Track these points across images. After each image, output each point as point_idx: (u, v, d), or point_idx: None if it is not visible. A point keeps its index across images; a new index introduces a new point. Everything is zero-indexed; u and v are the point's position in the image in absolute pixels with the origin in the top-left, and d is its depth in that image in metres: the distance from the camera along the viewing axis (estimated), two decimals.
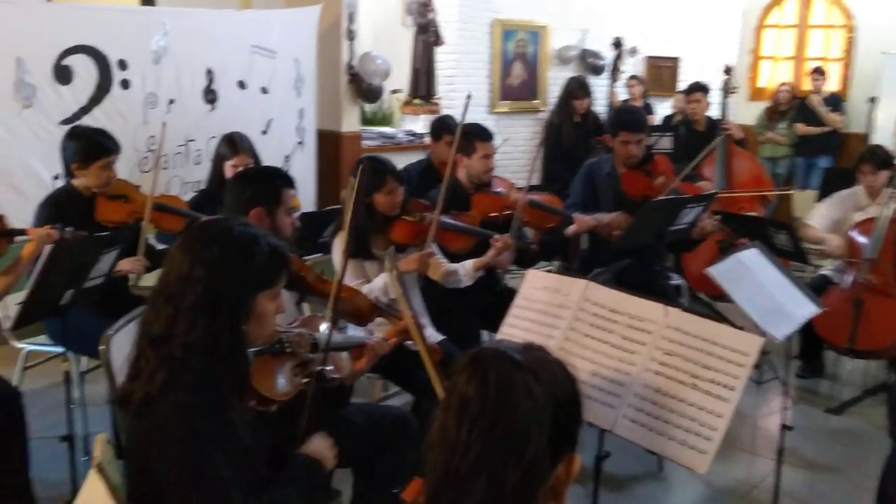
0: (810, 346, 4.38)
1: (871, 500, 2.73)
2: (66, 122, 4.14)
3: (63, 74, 4.18)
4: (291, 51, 5.38)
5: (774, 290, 3.01)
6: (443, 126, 4.66)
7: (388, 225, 3.24)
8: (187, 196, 4.17)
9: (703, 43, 8.15)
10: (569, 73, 7.20)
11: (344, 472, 2.51)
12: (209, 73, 4.89)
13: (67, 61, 4.19)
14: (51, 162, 3.89)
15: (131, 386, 1.70)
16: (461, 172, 3.73)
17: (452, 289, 3.41)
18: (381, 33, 6.39)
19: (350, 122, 5.96)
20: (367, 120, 6.39)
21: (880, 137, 7.06)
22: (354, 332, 2.72)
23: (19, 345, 3.48)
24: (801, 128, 7.64)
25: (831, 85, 8.14)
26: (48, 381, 3.72)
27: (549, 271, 2.97)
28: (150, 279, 3.27)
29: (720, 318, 2.64)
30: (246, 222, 1.91)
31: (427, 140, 5.16)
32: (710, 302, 4.97)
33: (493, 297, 3.57)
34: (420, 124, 6.43)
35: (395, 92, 6.59)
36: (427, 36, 6.38)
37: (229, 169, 3.76)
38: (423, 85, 6.44)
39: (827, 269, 4.54)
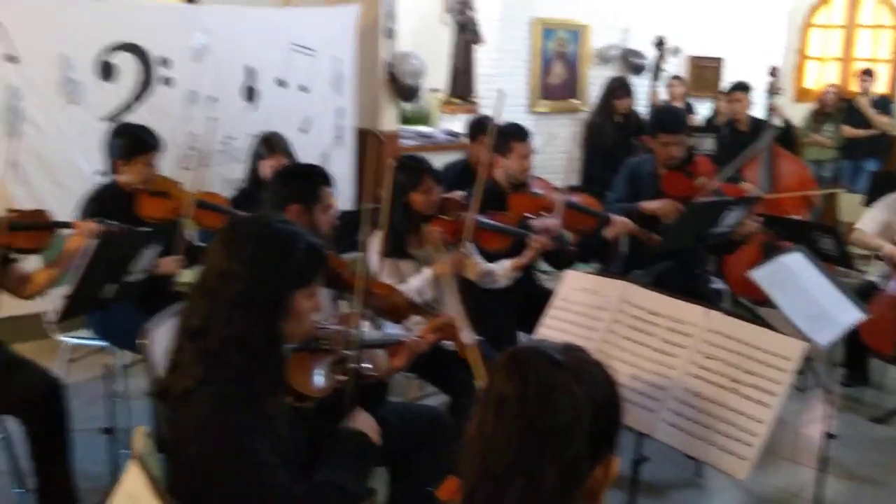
0: (855, 353, 4.27)
1: None
2: (108, 118, 4.22)
3: (106, 71, 4.26)
4: (331, 49, 5.40)
5: (818, 294, 2.95)
6: (480, 126, 4.63)
7: (425, 224, 3.23)
8: (227, 193, 4.22)
9: (748, 43, 8.02)
10: (610, 72, 7.14)
11: (379, 472, 2.50)
12: (249, 70, 4.94)
13: (110, 58, 4.27)
14: (93, 157, 3.96)
15: (170, 378, 1.73)
16: (498, 172, 3.70)
17: (488, 289, 3.40)
18: (421, 32, 6.40)
19: (388, 121, 5.98)
20: (405, 119, 6.40)
21: None
22: (392, 329, 2.71)
23: (63, 338, 3.54)
24: (848, 130, 7.47)
25: (880, 87, 7.96)
26: (91, 374, 3.77)
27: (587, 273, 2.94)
28: (189, 275, 3.30)
29: (762, 322, 2.59)
30: (285, 219, 1.92)
31: (465, 140, 5.15)
32: (752, 307, 4.88)
33: (529, 299, 3.54)
34: (458, 123, 6.42)
35: (433, 91, 6.60)
36: (466, 34, 6.38)
37: (266, 169, 3.79)
38: (461, 84, 6.44)
39: (873, 274, 4.43)
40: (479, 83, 6.52)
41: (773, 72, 6.03)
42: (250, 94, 4.97)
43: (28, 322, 3.69)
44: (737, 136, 5.99)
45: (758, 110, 6.35)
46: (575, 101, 7.35)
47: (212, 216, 3.54)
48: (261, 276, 1.71)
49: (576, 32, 7.28)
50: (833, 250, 4.02)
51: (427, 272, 3.10)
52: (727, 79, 7.76)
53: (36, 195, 4.05)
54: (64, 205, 3.65)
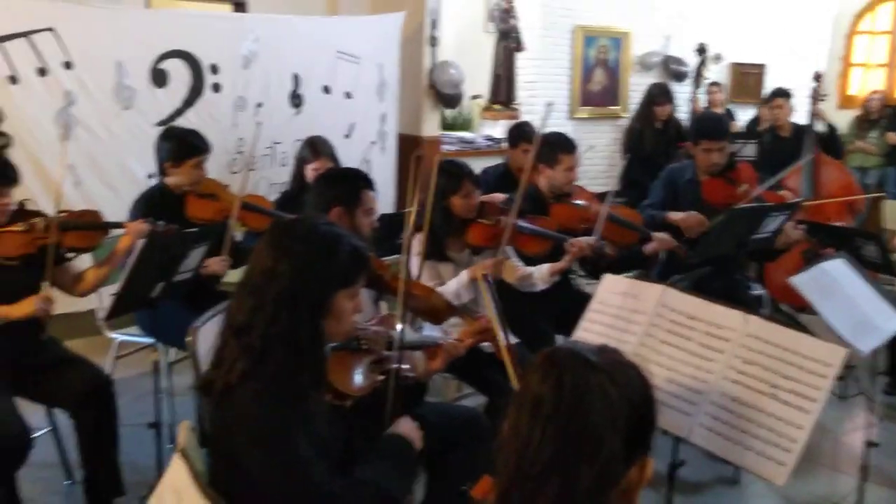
0: None
1: None
2: (160, 123, 4.33)
3: (159, 78, 4.37)
4: (375, 56, 5.48)
5: (861, 301, 2.91)
6: (520, 133, 4.66)
7: (464, 228, 3.27)
8: (272, 197, 4.30)
9: (791, 50, 7.93)
10: (651, 79, 7.11)
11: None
12: (295, 77, 5.04)
13: (163, 65, 4.38)
14: (146, 161, 4.06)
15: (213, 374, 1.76)
16: (542, 181, 3.70)
17: (527, 292, 3.42)
18: (464, 39, 6.44)
19: (430, 127, 6.03)
20: (447, 125, 6.45)
21: None
22: (430, 331, 2.75)
23: (112, 335, 3.64)
24: (893, 137, 7.34)
25: None
26: (138, 370, 3.86)
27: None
28: (234, 275, 3.38)
29: (802, 328, 2.58)
30: (330, 222, 1.96)
31: (505, 145, 5.18)
32: (793, 314, 4.83)
33: (567, 302, 3.55)
34: (499, 130, 6.45)
35: (475, 97, 6.64)
36: (508, 42, 6.41)
37: (310, 172, 3.86)
38: (503, 90, 6.47)
39: None
40: (520, 90, 6.55)
41: (818, 77, 5.96)
42: (296, 100, 5.06)
43: (81, 319, 3.79)
44: (778, 142, 5.93)
45: (800, 117, 6.28)
46: (615, 108, 7.34)
47: (257, 218, 3.60)
48: (305, 275, 1.75)
49: (618, 40, 7.27)
50: (877, 258, 3.96)
51: (465, 274, 3.13)
52: (769, 85, 7.67)
53: (88, 197, 4.16)
54: (116, 207, 3.77)
